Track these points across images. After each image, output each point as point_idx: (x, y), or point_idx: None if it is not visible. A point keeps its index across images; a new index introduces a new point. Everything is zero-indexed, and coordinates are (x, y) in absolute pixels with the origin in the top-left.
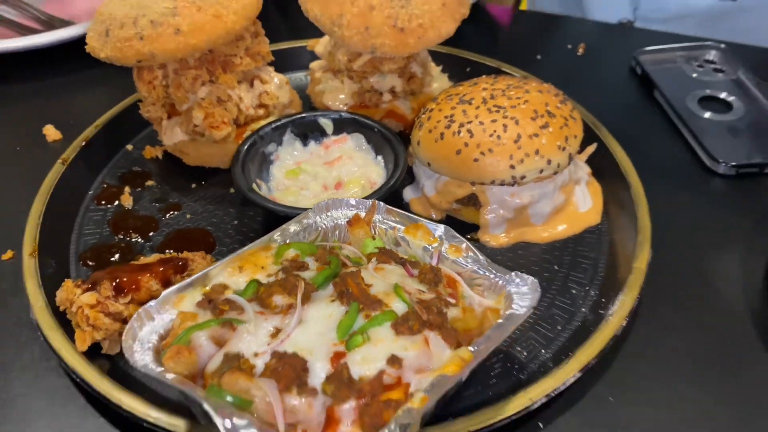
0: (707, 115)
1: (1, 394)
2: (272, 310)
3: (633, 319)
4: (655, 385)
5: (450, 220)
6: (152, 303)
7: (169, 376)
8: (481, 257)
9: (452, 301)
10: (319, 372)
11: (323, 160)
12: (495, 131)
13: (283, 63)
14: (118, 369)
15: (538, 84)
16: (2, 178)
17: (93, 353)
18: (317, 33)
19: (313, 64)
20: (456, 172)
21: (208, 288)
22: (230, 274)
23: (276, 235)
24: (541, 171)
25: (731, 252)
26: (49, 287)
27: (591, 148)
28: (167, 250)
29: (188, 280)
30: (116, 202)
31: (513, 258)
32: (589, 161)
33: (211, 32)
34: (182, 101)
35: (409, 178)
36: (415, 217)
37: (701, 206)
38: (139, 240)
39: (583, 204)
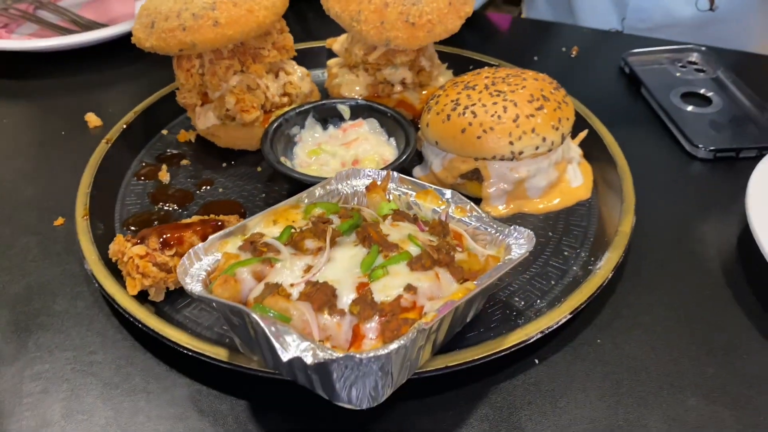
0: (689, 108)
1: (59, 336)
2: (304, 252)
3: (619, 274)
4: (638, 329)
5: None
6: (200, 245)
7: (219, 298)
8: (483, 215)
9: (459, 249)
10: (346, 297)
11: (341, 141)
12: (496, 112)
13: (302, 62)
14: (164, 313)
15: (535, 74)
16: (50, 158)
17: (140, 301)
18: (331, 35)
19: (330, 62)
20: (461, 149)
21: (247, 236)
22: (265, 225)
23: (304, 196)
24: (537, 148)
25: (708, 222)
26: (100, 244)
27: (583, 134)
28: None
29: (229, 228)
30: (154, 178)
31: None
32: (581, 146)
33: (245, 25)
34: (216, 88)
35: (418, 159)
36: (425, 184)
37: (682, 186)
38: (177, 209)
39: (575, 180)
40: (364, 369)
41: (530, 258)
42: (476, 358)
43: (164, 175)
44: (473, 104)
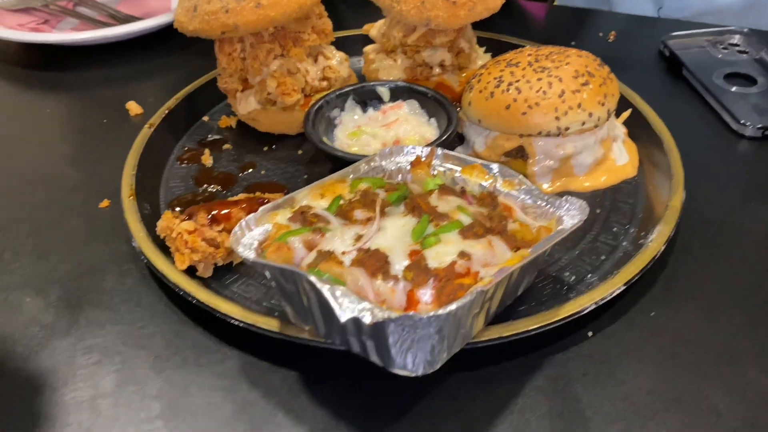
0: (733, 89)
1: (109, 312)
2: (354, 222)
3: (670, 249)
4: (692, 303)
5: None
6: (250, 216)
7: (273, 263)
8: (533, 188)
9: (510, 220)
10: (399, 264)
11: (381, 123)
12: (541, 88)
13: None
14: (212, 289)
15: (578, 51)
16: (93, 144)
17: (189, 277)
18: (361, 24)
19: (367, 48)
20: (505, 126)
21: (295, 208)
22: (313, 199)
23: (349, 170)
24: (583, 123)
25: (759, 200)
26: (147, 223)
27: (626, 113)
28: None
29: (279, 200)
30: (197, 162)
31: None
32: (624, 125)
33: (287, 6)
34: (257, 72)
35: (459, 141)
36: (471, 159)
37: (730, 164)
38: (221, 190)
39: (620, 158)
40: (422, 332)
41: (579, 234)
42: (531, 328)
43: (207, 159)
44: (517, 81)
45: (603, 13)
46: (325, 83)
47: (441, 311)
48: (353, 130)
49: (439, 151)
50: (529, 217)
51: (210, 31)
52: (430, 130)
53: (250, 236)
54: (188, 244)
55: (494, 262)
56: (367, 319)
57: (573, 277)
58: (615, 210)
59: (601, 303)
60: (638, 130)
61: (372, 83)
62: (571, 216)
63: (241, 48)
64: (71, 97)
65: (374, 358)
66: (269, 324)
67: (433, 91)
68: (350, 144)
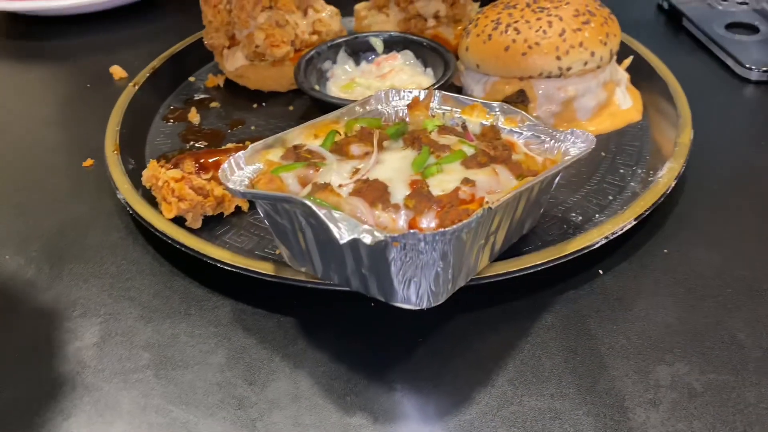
0: (736, 37)
1: (94, 266)
2: (350, 157)
3: (680, 187)
4: (705, 239)
5: None
6: (240, 153)
7: (267, 192)
8: (537, 123)
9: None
10: (399, 193)
11: (375, 74)
12: (541, 27)
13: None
14: (202, 238)
15: None
16: (76, 107)
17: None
18: None
19: (358, 6)
20: (505, 69)
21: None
22: (306, 138)
23: (344, 111)
24: (586, 63)
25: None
26: (132, 176)
27: (628, 60)
28: None
29: (269, 139)
30: (184, 120)
31: None
32: (627, 72)
33: None
34: (244, 25)
35: (457, 92)
36: (471, 99)
37: (736, 108)
38: (209, 146)
39: (624, 103)
40: (425, 257)
41: (584, 176)
42: (538, 263)
43: (194, 117)
44: (516, 21)
45: None
46: (315, 37)
47: (446, 230)
48: (346, 83)
49: (438, 93)
50: (533, 153)
51: None
52: (427, 79)
53: (240, 174)
54: (175, 193)
55: (499, 189)
56: (367, 239)
57: (580, 218)
58: (621, 152)
59: (611, 238)
60: (641, 77)
61: (365, 34)
62: (578, 148)
63: (227, 0)
64: (55, 65)
65: (375, 293)
66: (263, 267)
67: (428, 40)
68: (344, 97)
